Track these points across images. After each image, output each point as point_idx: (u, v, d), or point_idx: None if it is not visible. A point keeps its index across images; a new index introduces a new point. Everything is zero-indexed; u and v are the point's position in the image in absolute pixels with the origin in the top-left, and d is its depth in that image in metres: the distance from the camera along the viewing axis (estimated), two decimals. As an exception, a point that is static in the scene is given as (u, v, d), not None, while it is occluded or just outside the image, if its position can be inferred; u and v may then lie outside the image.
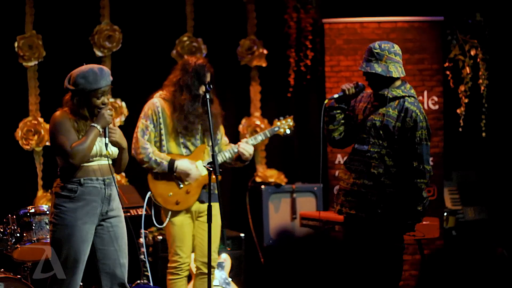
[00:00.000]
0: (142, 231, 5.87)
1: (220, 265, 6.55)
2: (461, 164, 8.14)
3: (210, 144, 5.29)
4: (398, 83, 4.98)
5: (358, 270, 5.04)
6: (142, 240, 6.40)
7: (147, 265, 6.01)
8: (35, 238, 5.51)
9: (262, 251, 7.43)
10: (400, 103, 4.92)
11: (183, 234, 5.68)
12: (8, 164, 7.03)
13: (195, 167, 5.66)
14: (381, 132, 4.91)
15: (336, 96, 5.10)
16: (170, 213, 5.68)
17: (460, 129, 7.61)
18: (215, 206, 5.15)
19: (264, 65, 7.79)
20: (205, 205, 5.20)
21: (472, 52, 7.60)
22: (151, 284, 6.04)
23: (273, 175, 7.76)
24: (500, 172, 8.04)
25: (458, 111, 7.60)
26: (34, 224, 5.52)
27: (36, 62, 7.05)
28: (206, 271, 5.50)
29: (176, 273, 5.70)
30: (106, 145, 4.79)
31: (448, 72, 7.58)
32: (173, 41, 7.51)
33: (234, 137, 7.26)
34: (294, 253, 7.47)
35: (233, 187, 7.69)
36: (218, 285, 6.45)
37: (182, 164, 5.62)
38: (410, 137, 4.86)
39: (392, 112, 4.91)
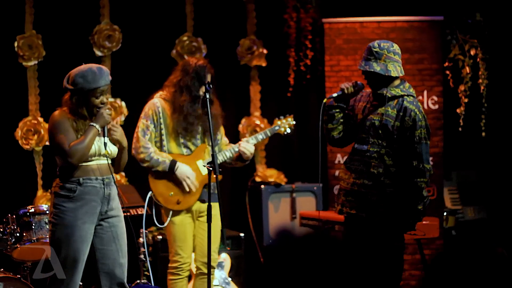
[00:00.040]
0: (143, 230, 5.86)
1: (220, 265, 6.55)
2: (460, 164, 8.14)
3: (211, 144, 5.29)
4: (397, 82, 4.98)
5: (359, 270, 5.03)
6: (142, 240, 6.40)
7: (148, 265, 6.00)
8: (34, 238, 5.50)
9: (262, 250, 7.43)
10: (399, 102, 4.92)
11: (184, 234, 5.68)
12: (8, 164, 7.03)
13: (194, 176, 5.65)
14: (380, 132, 4.91)
15: (335, 95, 5.11)
16: (171, 212, 5.68)
17: (460, 129, 7.61)
18: (215, 206, 5.16)
19: (264, 64, 7.79)
20: (206, 205, 5.19)
21: (472, 52, 7.60)
22: (152, 284, 6.04)
23: (272, 175, 7.76)
24: (499, 172, 8.04)
25: (458, 110, 7.60)
26: (33, 224, 5.52)
27: (36, 62, 7.05)
28: (206, 271, 5.49)
29: (177, 273, 5.70)
30: (105, 144, 4.79)
31: (448, 72, 7.58)
32: (173, 41, 7.51)
33: (234, 137, 7.26)
34: (293, 253, 7.46)
35: (233, 186, 7.69)
36: (217, 285, 6.45)
37: (183, 167, 5.62)
38: (409, 136, 4.86)
39: (391, 111, 4.91)
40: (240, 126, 7.76)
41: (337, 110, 5.11)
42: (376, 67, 4.90)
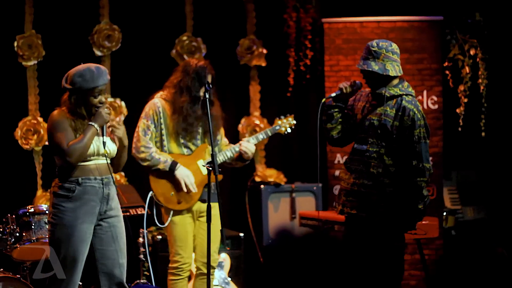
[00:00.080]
0: (145, 230, 5.86)
1: (220, 265, 6.55)
2: (460, 163, 8.14)
3: (213, 144, 5.28)
4: (395, 81, 4.98)
5: (359, 270, 5.04)
6: (141, 239, 6.40)
7: (149, 265, 5.99)
8: (34, 238, 5.50)
9: (262, 250, 7.43)
10: (398, 102, 4.92)
11: (185, 234, 5.68)
12: (8, 164, 7.03)
13: (193, 178, 5.65)
14: (379, 132, 4.91)
15: (333, 95, 5.11)
16: (171, 212, 5.68)
17: (460, 129, 7.61)
18: (215, 206, 5.15)
19: (263, 64, 7.79)
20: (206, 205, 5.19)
21: (472, 52, 7.60)
22: (153, 284, 6.04)
23: (272, 175, 7.76)
24: (499, 172, 8.04)
25: (457, 110, 7.60)
26: (33, 224, 5.52)
27: (36, 62, 7.05)
28: (206, 271, 5.49)
29: (177, 274, 5.69)
30: (104, 143, 4.79)
31: (447, 72, 7.58)
32: (173, 41, 7.51)
33: (234, 137, 7.26)
34: (293, 252, 7.47)
35: (233, 186, 7.69)
36: (217, 285, 6.45)
37: (183, 168, 5.62)
38: (409, 135, 4.86)
39: (390, 111, 4.91)
40: (240, 126, 7.76)
41: (336, 110, 5.12)
42: (374, 67, 4.90)
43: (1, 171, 6.98)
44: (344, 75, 7.46)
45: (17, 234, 5.51)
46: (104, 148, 4.80)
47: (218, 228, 5.24)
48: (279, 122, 6.13)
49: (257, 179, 7.71)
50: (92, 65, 4.77)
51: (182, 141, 5.70)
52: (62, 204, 4.75)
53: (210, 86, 5.40)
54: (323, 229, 6.38)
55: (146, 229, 6.65)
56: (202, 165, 5.69)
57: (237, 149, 5.81)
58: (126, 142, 4.94)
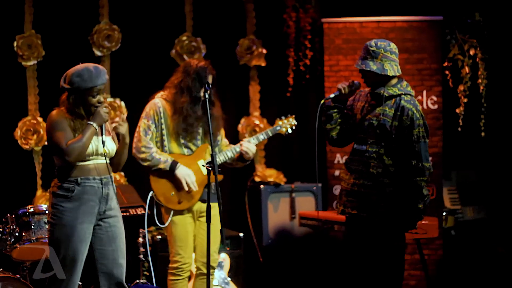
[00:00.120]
0: (146, 230, 5.85)
1: (219, 265, 6.55)
2: (460, 163, 8.14)
3: (212, 144, 5.28)
4: (394, 81, 4.97)
5: (360, 270, 5.04)
6: (141, 239, 6.40)
7: (150, 265, 5.99)
8: (34, 238, 5.50)
9: (261, 250, 7.43)
10: (397, 102, 4.91)
11: (185, 234, 5.68)
12: (7, 164, 7.03)
13: (194, 177, 5.65)
14: (378, 132, 4.91)
15: (332, 95, 5.11)
16: (172, 212, 5.68)
17: (459, 129, 7.61)
18: (216, 206, 5.15)
19: (263, 64, 7.79)
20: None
21: (471, 52, 7.60)
22: (154, 284, 6.03)
23: (272, 175, 7.76)
24: (499, 172, 8.04)
25: (457, 110, 7.60)
26: (33, 224, 5.52)
27: (35, 62, 7.05)
28: (206, 271, 5.49)
29: (177, 274, 5.69)
30: (103, 142, 4.80)
31: (447, 72, 7.58)
32: (172, 41, 7.51)
33: (233, 137, 7.26)
34: (293, 252, 7.47)
35: (232, 186, 7.69)
36: (217, 285, 6.45)
37: (183, 168, 5.62)
38: (408, 135, 4.86)
39: (389, 111, 4.91)
40: (240, 126, 7.76)
41: (335, 111, 5.12)
42: (373, 66, 4.90)
43: (1, 171, 6.98)
44: (343, 75, 7.46)
45: (17, 234, 5.51)
46: (104, 147, 4.80)
47: (218, 228, 5.24)
48: (280, 122, 6.12)
49: (257, 179, 7.71)
50: (90, 65, 4.77)
51: (182, 141, 5.71)
52: (61, 204, 4.75)
53: (210, 86, 5.41)
54: (323, 229, 6.38)
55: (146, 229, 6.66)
56: (202, 165, 5.69)
57: (237, 150, 5.81)
58: (128, 139, 4.95)
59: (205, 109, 5.39)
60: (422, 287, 7.38)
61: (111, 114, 7.10)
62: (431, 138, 6.80)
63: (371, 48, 4.93)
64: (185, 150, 5.72)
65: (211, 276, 5.23)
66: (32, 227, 5.51)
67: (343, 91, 5.07)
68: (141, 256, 6.41)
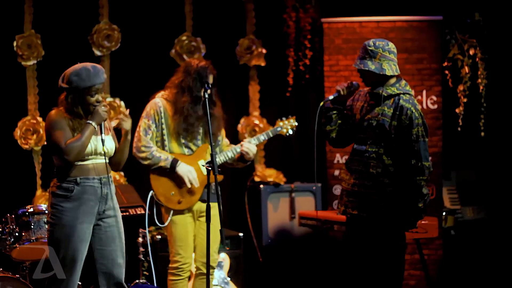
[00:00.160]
0: (147, 230, 5.85)
1: (219, 265, 6.55)
2: (460, 163, 8.14)
3: (212, 144, 5.28)
4: (392, 80, 4.97)
5: (361, 270, 5.04)
6: (141, 239, 6.39)
7: (151, 265, 5.99)
8: (33, 238, 5.50)
9: (261, 250, 7.43)
10: (395, 101, 4.91)
11: (185, 234, 5.68)
12: (7, 164, 7.03)
13: (197, 171, 5.65)
14: (377, 132, 4.91)
15: (331, 97, 5.11)
16: (171, 212, 5.68)
17: (459, 129, 7.62)
18: (215, 206, 5.15)
19: (263, 64, 7.79)
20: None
21: (471, 52, 7.60)
22: (155, 284, 6.03)
23: (272, 175, 7.75)
24: (499, 172, 8.04)
25: (457, 110, 7.60)
26: (33, 224, 5.52)
27: (35, 62, 7.05)
28: (205, 271, 5.49)
29: (177, 274, 5.69)
30: (102, 141, 4.80)
31: (447, 72, 7.58)
32: (172, 41, 7.51)
33: (233, 137, 7.26)
34: (292, 252, 7.48)
35: (232, 186, 7.69)
36: (217, 285, 6.44)
37: (184, 165, 5.63)
38: (407, 135, 4.86)
39: (388, 110, 4.91)
40: (239, 126, 7.76)
41: (335, 112, 5.12)
42: (371, 66, 4.90)
43: (0, 171, 6.98)
44: (343, 75, 7.46)
45: (17, 234, 5.51)
46: (103, 145, 4.80)
47: (218, 228, 5.24)
48: (281, 123, 6.13)
49: (257, 179, 7.71)
50: (89, 64, 4.78)
51: (183, 141, 5.71)
52: (60, 204, 4.75)
53: (210, 86, 5.41)
54: (323, 229, 6.38)
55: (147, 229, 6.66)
56: (202, 165, 5.69)
57: (238, 150, 5.81)
58: (129, 136, 4.97)
59: (205, 109, 5.39)
60: (422, 287, 7.38)
61: (111, 113, 7.13)
62: (431, 138, 6.80)
63: (370, 48, 4.93)
64: (186, 150, 5.72)
65: (210, 276, 5.23)
66: (32, 227, 5.51)
67: (342, 93, 5.07)
68: (141, 256, 6.41)
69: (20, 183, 7.07)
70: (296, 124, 6.14)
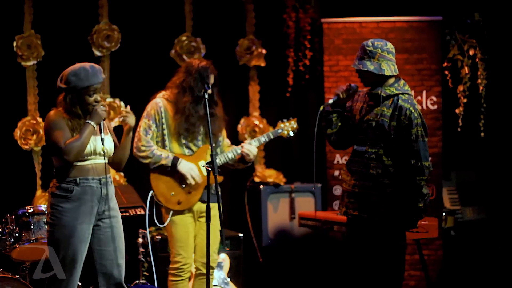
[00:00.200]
0: (147, 231, 5.85)
1: (219, 265, 6.55)
2: (460, 164, 8.14)
3: (212, 144, 5.29)
4: (391, 80, 4.97)
5: (362, 271, 5.03)
6: (141, 240, 6.39)
7: (152, 265, 5.98)
8: (33, 238, 5.50)
9: (261, 251, 7.42)
10: (394, 101, 4.91)
11: (186, 234, 5.68)
12: (7, 164, 7.02)
13: (198, 170, 5.66)
14: (377, 132, 4.91)
15: (331, 101, 5.12)
16: (171, 212, 5.68)
17: (459, 129, 7.61)
18: (215, 207, 5.15)
19: (263, 64, 7.79)
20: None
21: (471, 52, 7.60)
22: (155, 285, 6.02)
23: (271, 175, 7.75)
24: (499, 172, 8.04)
25: (457, 111, 7.60)
26: (32, 224, 5.52)
27: (35, 62, 7.05)
28: (205, 271, 5.49)
29: (178, 275, 5.69)
30: (102, 140, 4.79)
31: (447, 72, 7.58)
32: (172, 41, 7.50)
33: (233, 137, 7.26)
34: (292, 253, 7.48)
35: (232, 187, 7.68)
36: (217, 285, 6.44)
37: (185, 162, 5.64)
38: (406, 135, 4.86)
39: (387, 111, 4.91)
40: (239, 126, 7.76)
41: (335, 115, 5.12)
42: (370, 66, 4.90)
43: (0, 171, 6.98)
44: (343, 75, 7.46)
45: (17, 234, 5.51)
46: (103, 144, 4.79)
47: (218, 228, 5.24)
48: (282, 125, 6.13)
49: (257, 179, 7.71)
50: (87, 64, 4.78)
51: (183, 141, 5.71)
52: (60, 204, 4.75)
53: (209, 86, 5.42)
54: (323, 230, 6.38)
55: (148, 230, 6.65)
56: (202, 165, 5.69)
57: (238, 151, 5.82)
58: (131, 134, 4.97)
59: (206, 109, 5.39)
60: (422, 287, 7.38)
61: (111, 114, 7.13)
62: (430, 139, 6.79)
63: (368, 48, 4.93)
64: (186, 151, 5.72)
65: (210, 277, 5.23)
66: (32, 227, 5.51)
67: (341, 96, 5.08)
68: (141, 256, 6.40)
69: (20, 183, 7.07)
70: (297, 126, 6.14)
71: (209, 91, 5.39)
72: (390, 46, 4.97)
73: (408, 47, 7.42)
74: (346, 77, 7.38)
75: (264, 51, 7.77)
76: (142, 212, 6.23)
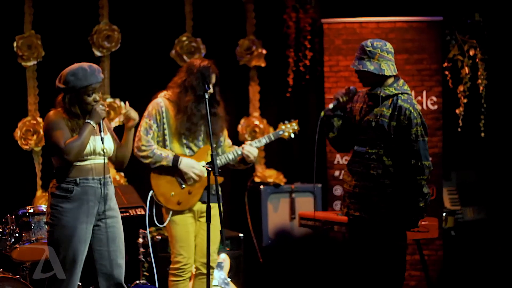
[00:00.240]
0: (147, 231, 5.85)
1: (219, 265, 6.55)
2: (460, 164, 8.14)
3: (212, 144, 5.29)
4: (390, 80, 4.97)
5: (362, 271, 5.03)
6: (141, 240, 6.39)
7: (153, 266, 5.98)
8: (34, 238, 5.50)
9: (261, 251, 7.42)
10: (393, 101, 4.91)
11: (186, 234, 5.68)
12: (7, 164, 7.02)
13: (199, 167, 5.67)
14: (377, 133, 4.91)
15: (331, 106, 5.12)
16: (171, 212, 5.68)
17: (459, 129, 7.61)
18: (216, 207, 5.15)
19: (263, 65, 7.79)
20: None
21: (471, 52, 7.60)
22: (156, 285, 6.02)
23: (272, 175, 7.75)
24: (499, 172, 8.04)
25: (457, 111, 7.60)
26: (33, 224, 5.52)
27: (35, 62, 7.05)
28: (205, 271, 5.49)
29: (179, 275, 5.69)
30: (102, 139, 4.79)
31: (447, 72, 7.58)
32: (172, 41, 7.50)
33: (233, 137, 7.25)
34: (293, 253, 7.48)
35: (232, 187, 7.68)
36: (217, 285, 6.44)
37: (187, 159, 5.64)
38: (406, 135, 4.85)
39: (386, 111, 4.90)
40: (239, 127, 7.76)
41: (335, 119, 5.13)
42: (370, 66, 4.90)
43: (0, 172, 6.98)
44: (343, 75, 7.46)
45: (17, 235, 5.51)
46: (103, 143, 4.79)
47: (218, 228, 5.25)
48: (283, 127, 6.13)
49: (257, 179, 7.71)
50: (85, 64, 4.78)
51: (184, 141, 5.71)
52: (60, 205, 4.75)
53: (209, 87, 5.43)
54: (323, 230, 6.38)
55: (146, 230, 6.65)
56: (202, 166, 5.69)
57: (239, 152, 5.83)
58: (133, 130, 4.98)
59: (209, 108, 5.40)
60: (422, 287, 7.37)
61: (111, 114, 7.13)
62: (431, 139, 6.79)
63: (368, 49, 4.93)
64: (187, 151, 5.72)
65: (210, 276, 5.23)
66: (32, 227, 5.51)
67: (341, 100, 5.09)
68: (141, 256, 6.40)
69: (20, 183, 7.07)
70: (298, 128, 6.15)
71: (210, 91, 5.39)
72: (389, 46, 4.97)
73: (408, 48, 7.42)
74: (346, 78, 7.38)
75: (264, 52, 7.77)
76: (143, 212, 6.23)
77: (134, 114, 4.98)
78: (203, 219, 5.61)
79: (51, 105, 4.91)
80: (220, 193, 5.12)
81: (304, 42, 7.78)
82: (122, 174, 7.21)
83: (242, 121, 7.77)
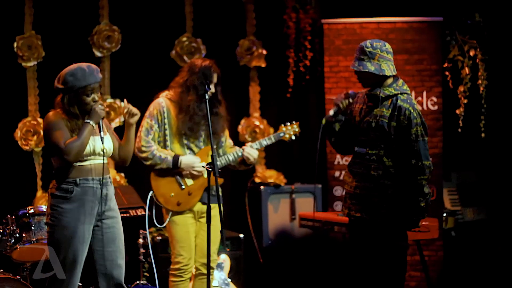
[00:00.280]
0: (147, 231, 5.85)
1: (219, 266, 6.55)
2: (460, 164, 8.14)
3: (212, 145, 5.29)
4: (389, 81, 4.97)
5: (363, 272, 5.03)
6: (141, 240, 6.39)
7: (154, 266, 5.98)
8: (34, 239, 5.50)
9: (261, 251, 7.42)
10: (393, 102, 4.90)
11: (187, 234, 5.68)
12: (7, 165, 7.03)
13: (199, 161, 5.67)
14: (377, 133, 4.91)
15: (331, 113, 5.13)
16: (170, 213, 5.68)
17: (459, 130, 7.61)
18: (216, 207, 5.15)
19: (263, 65, 7.78)
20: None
21: (471, 53, 7.60)
22: (157, 285, 6.02)
23: (272, 176, 7.75)
24: (499, 173, 8.04)
25: (457, 111, 7.60)
26: (33, 225, 5.52)
27: (35, 63, 7.05)
28: (205, 271, 5.49)
29: (179, 275, 5.69)
30: (101, 139, 4.79)
31: (447, 73, 7.57)
32: (172, 42, 7.50)
33: (233, 138, 7.24)
34: (293, 253, 7.48)
35: (233, 187, 7.68)
36: (217, 286, 6.44)
37: (186, 158, 5.64)
38: (406, 135, 4.85)
39: (386, 111, 4.90)
40: (240, 127, 7.76)
41: (336, 124, 5.13)
42: (371, 67, 4.89)
43: (1, 172, 6.98)
44: (343, 76, 7.46)
45: (17, 235, 5.51)
46: (103, 143, 4.79)
47: (218, 229, 5.25)
48: (284, 129, 6.13)
49: (257, 180, 7.71)
50: (84, 64, 4.79)
51: (185, 141, 5.71)
52: (60, 205, 4.75)
53: (209, 87, 5.43)
54: (323, 230, 6.38)
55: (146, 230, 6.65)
56: (202, 166, 5.69)
57: (240, 154, 5.83)
58: (135, 126, 4.98)
59: (211, 108, 5.41)
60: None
61: (111, 115, 7.13)
62: (431, 139, 6.79)
63: (367, 49, 4.92)
64: (187, 151, 5.72)
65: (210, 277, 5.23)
66: (32, 228, 5.51)
67: (341, 106, 5.09)
68: (141, 257, 6.40)
69: (21, 184, 7.07)
70: (299, 130, 6.15)
71: (210, 91, 5.40)
72: (388, 46, 4.97)
73: (409, 48, 7.42)
74: (346, 78, 7.38)
75: (264, 52, 7.77)
76: (143, 213, 6.23)
77: (135, 109, 4.98)
78: (203, 220, 5.61)
79: (51, 106, 4.91)
80: (220, 193, 5.12)
81: (304, 42, 7.78)
82: (123, 174, 7.21)
83: (243, 121, 7.77)
